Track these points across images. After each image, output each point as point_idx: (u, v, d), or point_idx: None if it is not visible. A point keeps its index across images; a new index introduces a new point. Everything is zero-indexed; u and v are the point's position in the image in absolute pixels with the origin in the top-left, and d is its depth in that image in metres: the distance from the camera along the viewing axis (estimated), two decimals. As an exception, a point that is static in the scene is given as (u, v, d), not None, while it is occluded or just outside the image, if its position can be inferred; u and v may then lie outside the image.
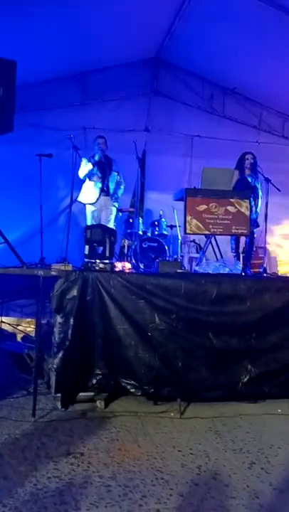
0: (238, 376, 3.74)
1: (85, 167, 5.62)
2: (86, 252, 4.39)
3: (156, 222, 6.61)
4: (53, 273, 3.72)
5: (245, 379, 3.74)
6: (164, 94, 7.29)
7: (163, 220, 6.61)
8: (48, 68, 6.23)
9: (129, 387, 3.57)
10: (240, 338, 3.79)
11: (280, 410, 3.72)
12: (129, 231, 6.43)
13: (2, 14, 4.76)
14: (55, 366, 3.48)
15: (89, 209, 5.87)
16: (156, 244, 6.23)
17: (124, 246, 6.63)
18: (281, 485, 2.51)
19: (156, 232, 6.49)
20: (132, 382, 3.57)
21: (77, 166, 5.43)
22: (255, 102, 7.48)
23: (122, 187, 6.00)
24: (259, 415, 3.61)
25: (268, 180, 5.29)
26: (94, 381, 3.57)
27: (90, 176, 5.70)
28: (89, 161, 5.67)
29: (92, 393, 3.60)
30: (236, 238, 5.78)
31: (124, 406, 3.67)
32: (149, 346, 3.61)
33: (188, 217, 4.80)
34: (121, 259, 6.10)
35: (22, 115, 6.32)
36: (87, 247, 4.74)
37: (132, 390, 3.58)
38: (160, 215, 6.69)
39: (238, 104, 7.47)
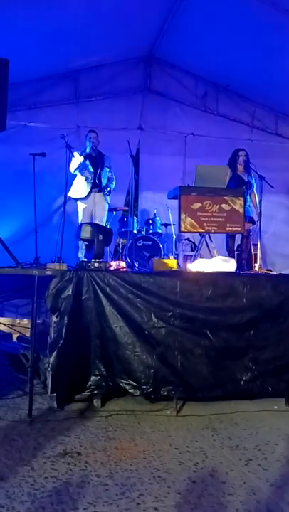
0: (239, 374, 3.73)
1: (75, 160, 5.47)
2: (80, 251, 4.37)
3: (150, 221, 6.60)
4: (48, 272, 3.71)
5: (247, 377, 3.73)
6: (157, 92, 7.27)
7: (157, 218, 6.61)
8: (40, 66, 6.21)
9: (127, 387, 3.55)
10: (238, 336, 3.78)
11: (276, 407, 3.74)
12: (123, 230, 6.42)
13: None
14: (50, 365, 3.47)
15: (80, 206, 5.73)
16: (150, 242, 6.23)
17: (118, 245, 6.62)
18: (278, 481, 2.52)
19: (151, 231, 6.49)
20: (131, 382, 3.55)
21: (72, 176, 5.45)
22: (248, 99, 7.48)
23: (113, 183, 5.89)
24: (255, 412, 3.63)
25: (261, 177, 5.30)
26: (91, 382, 3.55)
27: (81, 170, 5.56)
28: (80, 154, 5.55)
29: (88, 392, 3.59)
30: (231, 236, 5.79)
31: (120, 405, 3.67)
32: (146, 345, 3.60)
33: (183, 216, 4.80)
34: (116, 258, 6.10)
35: (15, 114, 6.31)
36: (81, 246, 4.72)
37: (130, 391, 3.55)
38: (154, 214, 6.69)
39: (232, 101, 7.47)
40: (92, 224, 4.74)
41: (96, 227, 4.37)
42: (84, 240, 4.29)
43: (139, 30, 6.16)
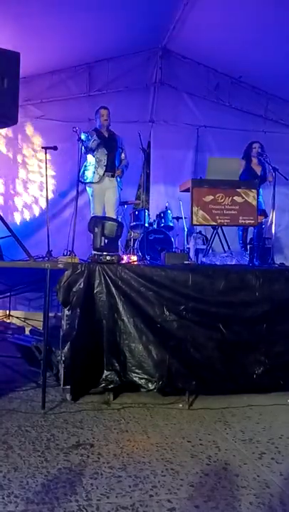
0: (251, 368, 3.70)
1: (90, 141, 5.16)
2: (92, 244, 4.33)
3: (162, 214, 6.58)
4: (60, 266, 3.71)
5: (259, 371, 3.70)
6: (168, 85, 7.22)
7: (169, 211, 6.58)
8: (52, 59, 6.20)
9: (141, 381, 3.53)
10: (251, 330, 3.75)
11: (289, 401, 3.72)
12: (135, 223, 6.41)
13: (6, 5, 4.72)
14: (63, 358, 3.48)
15: (91, 190, 5.44)
16: (162, 236, 6.21)
17: (130, 238, 6.62)
18: (292, 475, 2.50)
19: (162, 224, 6.47)
20: (144, 376, 3.53)
21: (82, 159, 5.37)
22: (261, 90, 7.39)
23: (125, 164, 5.57)
24: (268, 406, 3.60)
25: (275, 169, 5.23)
26: (104, 376, 3.54)
27: (93, 150, 5.23)
28: (88, 135, 5.20)
29: (101, 387, 3.59)
30: (243, 229, 5.74)
31: (132, 398, 3.67)
32: (159, 339, 3.58)
33: (195, 208, 4.76)
34: (127, 251, 6.09)
35: (26, 107, 6.33)
36: (93, 239, 4.69)
37: (144, 385, 3.53)
38: (166, 207, 6.66)
39: (244, 93, 7.39)
40: (105, 217, 4.71)
41: (98, 220, 4.31)
42: (96, 233, 4.24)
43: (151, 22, 6.10)
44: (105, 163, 5.31)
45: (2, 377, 4.00)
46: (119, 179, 5.52)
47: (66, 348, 3.46)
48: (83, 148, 5.13)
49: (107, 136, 5.38)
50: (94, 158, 5.33)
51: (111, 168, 5.36)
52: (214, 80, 7.31)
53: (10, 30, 5.01)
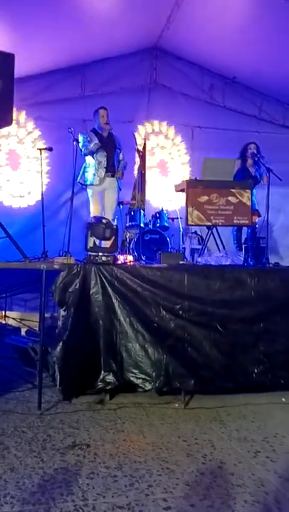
0: (250, 367, 3.72)
1: (90, 143, 5.18)
2: (88, 245, 4.36)
3: (157, 214, 6.59)
4: (56, 266, 3.72)
5: (259, 369, 3.72)
6: (163, 85, 7.23)
7: (164, 212, 6.59)
8: (46, 61, 6.19)
9: (138, 381, 3.54)
10: (248, 328, 3.77)
11: (284, 399, 3.74)
12: (130, 223, 6.42)
13: (0, 7, 4.73)
14: (57, 358, 3.48)
15: (90, 191, 5.43)
16: (157, 236, 6.21)
17: (125, 239, 6.62)
18: (286, 473, 2.52)
19: (158, 224, 6.47)
20: (141, 376, 3.54)
21: (79, 161, 5.35)
22: (255, 91, 7.43)
23: (124, 165, 5.57)
24: (263, 405, 3.63)
25: (269, 169, 5.26)
26: (102, 377, 3.54)
27: (94, 152, 5.23)
28: (87, 136, 5.23)
29: (99, 388, 3.59)
30: (238, 229, 5.76)
31: (129, 397, 3.68)
32: (156, 339, 3.59)
33: (190, 209, 4.78)
34: (123, 251, 6.10)
35: (21, 109, 6.32)
36: (89, 240, 4.72)
37: (141, 385, 3.53)
38: (161, 207, 6.67)
39: (238, 93, 7.42)
40: (101, 218, 4.72)
41: (103, 221, 4.34)
42: (91, 234, 4.27)
43: (145, 22, 6.11)
44: (105, 165, 5.31)
45: (-2, 378, 4.01)
46: (119, 180, 5.51)
47: (59, 347, 3.46)
48: (83, 149, 5.15)
49: (105, 137, 5.38)
50: (93, 160, 5.32)
51: (111, 168, 5.36)
52: (208, 81, 7.34)
53: (4, 32, 5.01)
